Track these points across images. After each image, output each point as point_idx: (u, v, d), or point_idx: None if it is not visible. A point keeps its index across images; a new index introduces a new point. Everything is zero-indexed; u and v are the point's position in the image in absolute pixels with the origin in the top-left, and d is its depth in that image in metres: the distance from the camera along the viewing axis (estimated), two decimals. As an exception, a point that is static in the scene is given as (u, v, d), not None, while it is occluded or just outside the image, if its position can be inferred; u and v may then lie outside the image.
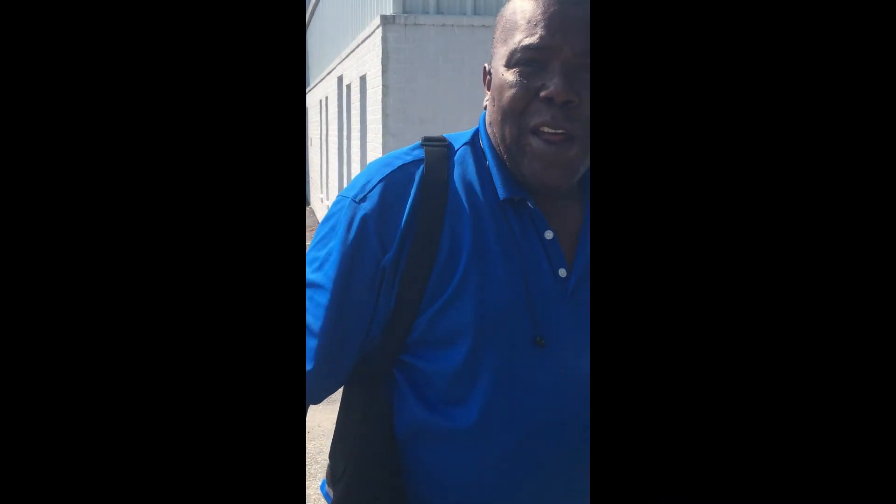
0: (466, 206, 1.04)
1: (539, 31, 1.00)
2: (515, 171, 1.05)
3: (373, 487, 1.05)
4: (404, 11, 8.31)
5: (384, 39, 8.19)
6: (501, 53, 1.04)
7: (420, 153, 1.07)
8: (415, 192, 1.03)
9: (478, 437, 1.02)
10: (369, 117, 9.14)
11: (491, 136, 1.08)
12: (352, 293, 1.02)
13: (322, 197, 15.24)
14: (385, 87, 8.22)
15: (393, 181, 1.04)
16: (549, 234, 1.05)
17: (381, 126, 8.26)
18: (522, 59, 1.01)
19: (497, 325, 1.01)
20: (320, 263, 1.04)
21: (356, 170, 10.24)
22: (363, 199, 1.03)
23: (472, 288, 1.01)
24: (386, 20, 8.20)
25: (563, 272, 1.05)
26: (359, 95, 10.18)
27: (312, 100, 17.97)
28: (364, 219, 1.02)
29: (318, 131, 16.62)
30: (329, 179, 14.12)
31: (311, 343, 1.04)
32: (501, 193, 1.05)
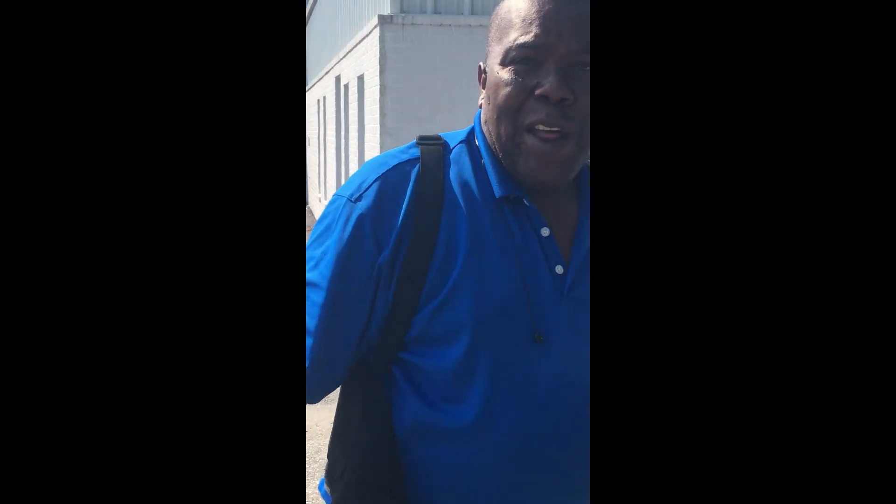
0: (462, 204, 1.04)
1: (534, 30, 1.00)
2: (511, 168, 1.05)
3: (372, 486, 1.05)
4: (402, 11, 8.31)
5: (382, 39, 8.18)
6: (496, 52, 1.05)
7: (416, 152, 1.08)
8: (410, 191, 1.03)
9: (477, 434, 1.02)
10: (367, 117, 9.14)
11: (486, 134, 1.08)
12: (347, 292, 1.02)
13: (320, 196, 15.22)
14: (383, 86, 8.21)
15: (389, 180, 1.04)
16: (545, 231, 1.06)
17: (378, 126, 8.25)
18: (517, 58, 1.01)
19: (495, 323, 1.01)
20: (316, 262, 1.04)
21: (354, 169, 10.22)
22: (359, 199, 1.03)
23: (470, 285, 1.01)
24: (383, 20, 8.20)
25: (559, 269, 1.05)
26: (356, 95, 10.17)
27: (310, 100, 17.95)
28: (360, 218, 1.02)
29: (316, 131, 16.60)
30: (327, 179, 14.10)
31: (308, 342, 1.04)
32: (497, 191, 1.05)
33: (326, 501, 1.13)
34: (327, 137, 14.17)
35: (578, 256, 1.07)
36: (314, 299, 1.03)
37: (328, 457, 1.13)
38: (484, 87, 1.08)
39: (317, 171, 16.12)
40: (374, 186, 1.03)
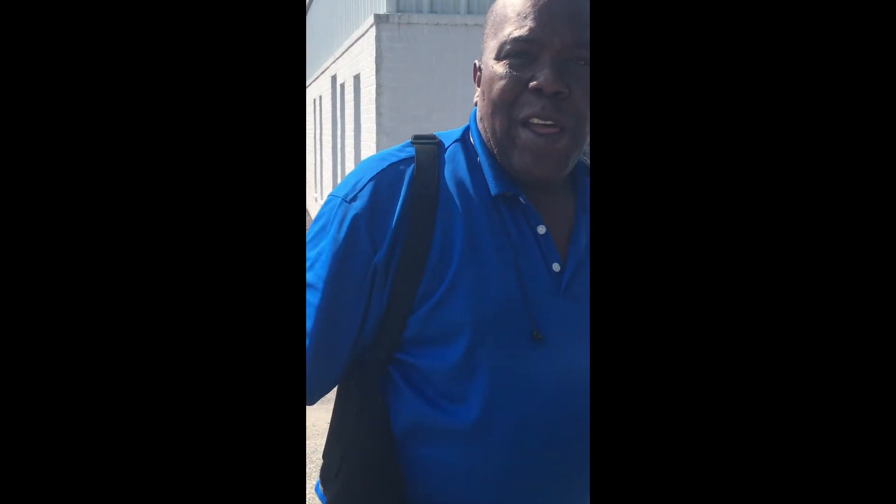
0: (458, 202, 1.04)
1: (529, 23, 1.01)
2: (506, 164, 1.05)
3: (368, 487, 1.05)
4: (398, 10, 8.31)
5: (378, 38, 8.18)
6: (492, 47, 1.05)
7: (410, 151, 1.07)
8: (405, 191, 1.03)
9: (478, 433, 1.02)
10: (363, 116, 9.14)
11: (481, 130, 1.08)
12: (343, 293, 1.02)
13: (316, 196, 15.23)
14: (379, 86, 8.21)
15: (383, 180, 1.04)
16: (541, 229, 1.06)
17: (375, 125, 8.25)
18: (512, 52, 1.02)
19: (493, 321, 1.01)
20: (311, 263, 1.04)
21: (350, 169, 10.23)
22: (353, 199, 1.03)
23: (466, 285, 1.01)
24: (380, 19, 8.20)
25: (556, 266, 1.05)
26: (353, 94, 10.17)
27: (306, 99, 17.96)
28: (355, 218, 1.02)
29: (312, 131, 16.60)
30: (323, 179, 14.10)
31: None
32: (493, 189, 1.05)
33: (322, 502, 1.12)
34: (323, 137, 14.17)
35: (575, 254, 1.07)
36: (310, 300, 1.03)
37: (324, 457, 1.13)
38: (479, 85, 1.08)
39: (313, 171, 16.13)
40: (369, 186, 1.03)
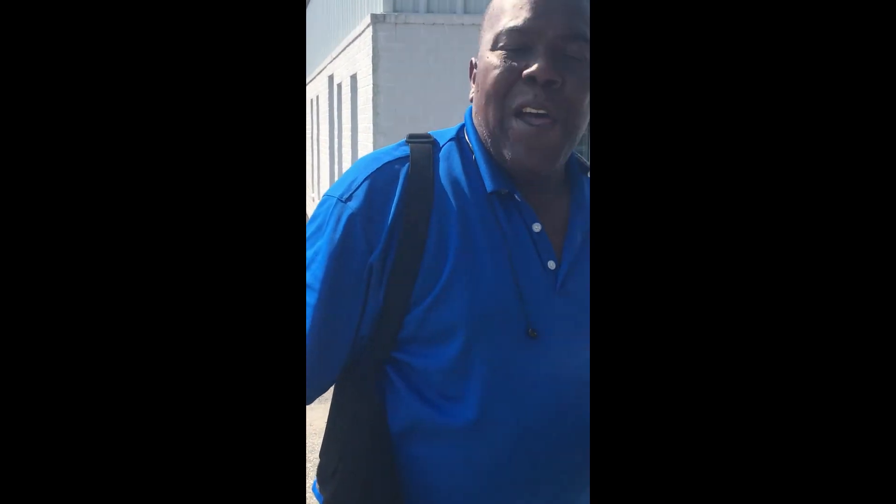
0: (453, 201, 1.04)
1: (524, 14, 1.02)
2: (498, 156, 1.05)
3: (365, 486, 1.05)
4: (395, 10, 8.31)
5: (374, 38, 8.18)
6: (487, 39, 1.06)
7: (405, 150, 1.08)
8: (400, 190, 1.03)
9: (475, 432, 1.02)
10: (360, 116, 9.13)
11: (476, 125, 1.09)
12: (340, 292, 1.02)
13: (313, 196, 15.21)
14: (376, 85, 8.21)
15: (379, 179, 1.04)
16: (537, 227, 1.06)
17: (371, 125, 8.25)
18: (507, 42, 1.02)
19: (489, 320, 1.01)
20: (307, 263, 1.04)
21: (347, 168, 10.22)
22: (349, 199, 1.03)
23: (462, 283, 1.01)
24: (376, 19, 8.20)
25: (552, 264, 1.06)
26: (349, 94, 10.17)
27: (303, 99, 17.90)
28: (351, 218, 1.02)
29: (309, 131, 16.58)
30: (320, 178, 14.09)
31: (302, 343, 1.04)
32: (489, 185, 1.05)
33: (319, 501, 1.13)
34: (320, 137, 14.15)
35: (570, 251, 1.07)
36: (307, 301, 1.03)
37: (320, 456, 1.13)
38: (475, 82, 1.09)
39: (310, 171, 16.11)
40: (364, 186, 1.03)
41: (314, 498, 1.15)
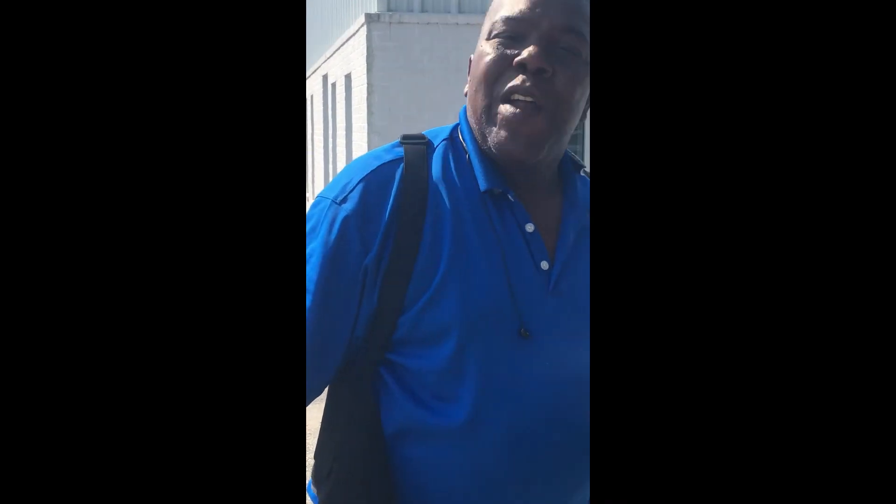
0: (447, 202, 1.04)
1: (520, 5, 1.03)
2: (484, 144, 1.06)
3: (360, 487, 1.05)
4: (389, 10, 8.31)
5: (369, 38, 8.18)
6: (484, 30, 1.07)
7: (399, 152, 1.08)
8: (395, 192, 1.03)
9: (468, 433, 1.02)
10: (354, 116, 9.13)
11: (468, 117, 1.09)
12: (334, 295, 1.02)
13: (308, 196, 15.21)
14: (370, 85, 8.21)
15: (373, 181, 1.04)
16: (530, 227, 1.06)
17: (366, 125, 8.25)
18: (502, 31, 1.03)
19: (481, 320, 1.01)
20: (302, 265, 1.04)
21: (342, 168, 10.22)
22: (344, 200, 1.03)
23: (455, 284, 1.01)
24: (370, 18, 8.19)
25: (545, 264, 1.06)
26: (344, 94, 10.16)
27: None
28: (345, 220, 1.02)
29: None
30: (315, 178, 14.08)
31: (296, 344, 1.04)
32: (482, 185, 1.05)
33: (314, 502, 1.12)
34: (315, 137, 14.15)
35: (563, 251, 1.08)
36: (302, 302, 1.03)
37: (315, 457, 1.13)
38: (469, 73, 1.09)
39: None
40: (359, 188, 1.03)
41: (309, 498, 1.14)
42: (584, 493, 1.11)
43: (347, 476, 1.06)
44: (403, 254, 1.01)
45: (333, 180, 1.09)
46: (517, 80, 1.01)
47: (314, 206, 1.07)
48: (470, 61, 1.12)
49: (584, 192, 1.15)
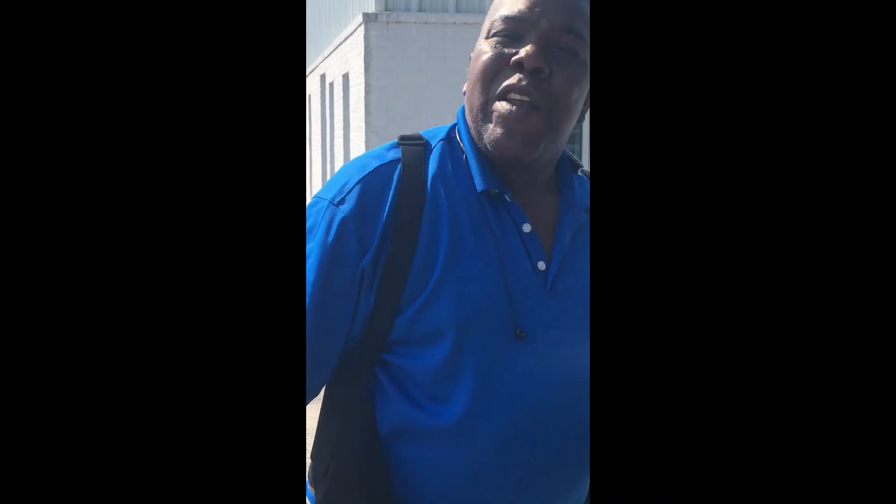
0: (444, 203, 1.04)
1: (520, 5, 1.03)
2: (480, 142, 1.06)
3: (356, 487, 1.05)
4: (386, 9, 8.30)
5: (366, 37, 8.17)
6: (483, 30, 1.07)
7: (397, 153, 1.08)
8: (393, 194, 1.03)
9: (463, 433, 1.02)
10: (352, 115, 9.13)
11: (466, 116, 1.09)
12: (331, 295, 1.02)
13: (306, 195, 15.19)
14: (368, 85, 8.20)
15: (371, 183, 1.04)
16: (526, 228, 1.06)
17: (364, 124, 8.24)
18: (500, 30, 1.04)
19: (477, 321, 1.01)
20: (299, 266, 1.04)
21: (339, 168, 10.21)
22: (342, 202, 1.03)
23: (451, 285, 1.01)
24: (368, 18, 8.19)
25: (542, 265, 1.06)
26: (342, 94, 10.16)
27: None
28: (343, 221, 1.02)
29: (302, 130, 16.55)
30: (312, 178, 14.08)
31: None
32: (479, 185, 1.05)
33: (311, 502, 1.12)
34: (312, 136, 14.15)
35: (560, 251, 1.07)
36: (299, 303, 1.03)
37: (311, 457, 1.13)
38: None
39: (302, 170, 16.08)
40: (357, 189, 1.03)
41: (305, 498, 1.14)
42: (580, 493, 1.11)
43: (344, 476, 1.06)
44: (400, 255, 1.01)
45: (330, 181, 1.08)
46: (514, 79, 1.01)
47: (311, 206, 1.07)
48: (470, 60, 1.12)
49: (581, 191, 1.15)
